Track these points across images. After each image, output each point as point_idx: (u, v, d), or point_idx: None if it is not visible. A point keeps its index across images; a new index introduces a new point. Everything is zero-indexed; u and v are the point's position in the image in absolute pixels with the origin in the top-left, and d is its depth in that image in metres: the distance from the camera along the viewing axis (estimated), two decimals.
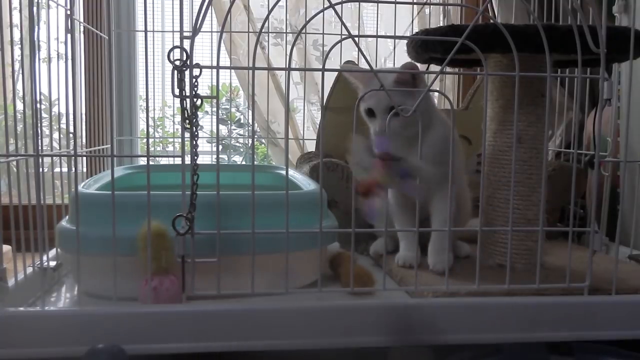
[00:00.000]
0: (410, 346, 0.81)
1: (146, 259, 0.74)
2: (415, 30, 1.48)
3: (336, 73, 1.32)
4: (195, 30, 0.70)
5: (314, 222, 0.82)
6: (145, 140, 1.54)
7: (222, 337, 0.73)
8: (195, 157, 0.74)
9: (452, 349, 0.82)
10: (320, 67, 0.74)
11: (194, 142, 0.74)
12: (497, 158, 0.94)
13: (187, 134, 0.73)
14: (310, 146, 1.60)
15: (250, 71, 0.73)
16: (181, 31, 0.73)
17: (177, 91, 0.71)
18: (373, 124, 0.90)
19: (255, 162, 1.42)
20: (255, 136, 1.71)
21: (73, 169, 0.79)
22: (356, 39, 0.78)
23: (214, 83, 0.77)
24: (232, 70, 1.67)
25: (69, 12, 0.87)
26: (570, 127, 1.36)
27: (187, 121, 0.72)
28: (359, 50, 0.76)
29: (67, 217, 0.90)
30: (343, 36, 0.85)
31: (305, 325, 0.74)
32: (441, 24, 1.61)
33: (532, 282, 0.80)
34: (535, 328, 0.78)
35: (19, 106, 1.58)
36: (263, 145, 1.85)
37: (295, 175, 1.13)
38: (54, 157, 0.99)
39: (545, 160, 0.85)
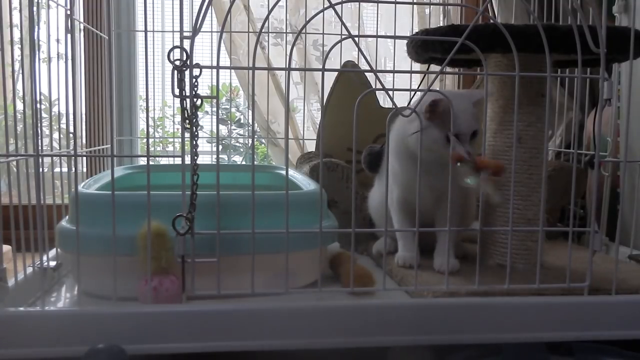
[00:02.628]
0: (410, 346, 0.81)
1: (146, 259, 0.74)
2: (415, 30, 1.48)
3: (336, 73, 1.32)
4: (195, 30, 0.70)
5: (314, 222, 0.82)
6: (145, 140, 1.54)
7: (222, 337, 0.73)
8: (195, 157, 0.74)
9: (452, 349, 0.81)
10: (320, 67, 0.74)
11: (194, 142, 0.74)
12: (497, 158, 0.94)
13: (187, 134, 0.73)
14: (310, 146, 1.60)
15: (250, 71, 0.73)
16: (181, 31, 0.73)
17: (177, 91, 0.71)
18: (454, 147, 0.84)
19: (255, 162, 1.42)
20: (255, 136, 1.71)
21: (73, 169, 0.79)
22: (356, 39, 0.78)
23: (214, 83, 0.77)
24: (232, 70, 1.67)
25: (69, 12, 0.87)
26: (570, 127, 1.36)
27: (187, 121, 0.72)
28: (359, 50, 0.76)
29: (67, 217, 0.90)
30: (343, 36, 0.85)
31: (305, 325, 0.75)
32: (441, 24, 1.61)
33: (532, 282, 0.80)
34: (535, 328, 0.78)
35: (19, 106, 1.58)
36: (263, 145, 1.85)
37: (295, 175, 1.13)
38: (54, 157, 0.99)
39: (545, 160, 0.85)
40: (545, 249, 0.87)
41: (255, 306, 0.74)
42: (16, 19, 0.87)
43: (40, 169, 0.77)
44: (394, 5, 1.35)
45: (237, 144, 1.89)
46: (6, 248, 0.97)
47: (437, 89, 1.07)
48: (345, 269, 0.87)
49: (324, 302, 0.77)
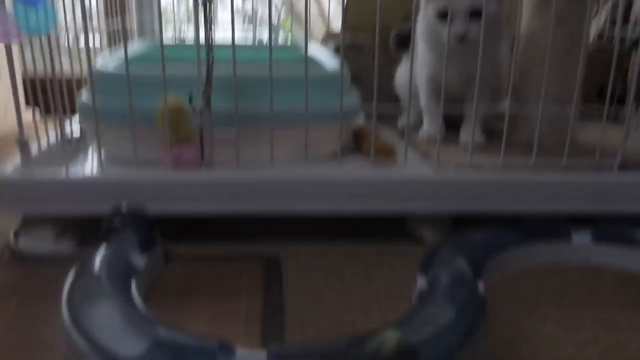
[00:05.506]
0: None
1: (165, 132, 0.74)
2: None
3: None
4: None
5: (335, 98, 0.79)
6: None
7: (239, 201, 0.75)
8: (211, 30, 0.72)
9: (472, 222, 0.81)
10: None
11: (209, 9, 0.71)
12: (534, 40, 0.87)
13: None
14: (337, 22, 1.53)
15: None
16: None
17: None
18: (445, 27, 0.79)
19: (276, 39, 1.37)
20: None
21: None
22: None
23: None
24: None
25: None
26: (617, 3, 1.26)
27: None
28: None
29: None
30: None
31: (323, 193, 0.75)
32: None
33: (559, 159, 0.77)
34: (558, 202, 0.77)
35: None
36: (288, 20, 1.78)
37: (318, 52, 1.08)
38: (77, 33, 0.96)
39: (586, 39, 0.79)
40: (578, 129, 0.83)
41: (272, 174, 0.75)
42: None
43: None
44: None
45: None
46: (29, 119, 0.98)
47: None
48: (368, 142, 0.86)
49: (343, 172, 0.77)
